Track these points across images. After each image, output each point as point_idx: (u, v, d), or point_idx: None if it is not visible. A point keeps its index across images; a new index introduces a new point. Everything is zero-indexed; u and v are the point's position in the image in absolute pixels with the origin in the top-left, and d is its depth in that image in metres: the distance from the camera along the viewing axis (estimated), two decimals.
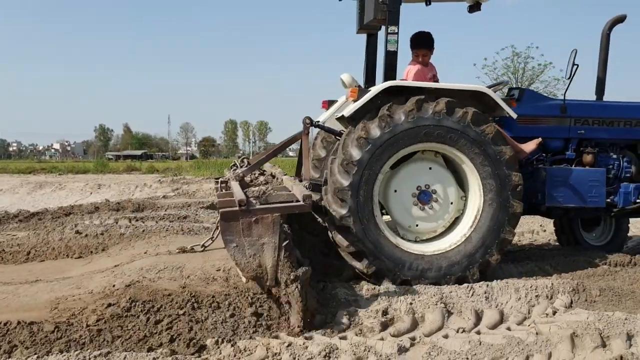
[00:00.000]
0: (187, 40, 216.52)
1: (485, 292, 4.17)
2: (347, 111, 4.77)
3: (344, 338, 3.58)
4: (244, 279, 3.96)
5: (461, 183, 4.93)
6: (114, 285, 4.23)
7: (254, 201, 3.91)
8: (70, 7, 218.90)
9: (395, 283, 4.54)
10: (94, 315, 3.63)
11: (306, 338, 3.57)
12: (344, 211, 4.55)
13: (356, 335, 3.67)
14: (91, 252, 6.10)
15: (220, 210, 3.80)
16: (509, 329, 3.83)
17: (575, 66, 5.43)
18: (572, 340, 3.44)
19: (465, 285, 4.30)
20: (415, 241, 4.91)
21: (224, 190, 4.80)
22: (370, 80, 5.86)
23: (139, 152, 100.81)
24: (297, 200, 3.96)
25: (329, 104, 5.89)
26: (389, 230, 4.77)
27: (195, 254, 5.16)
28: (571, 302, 4.14)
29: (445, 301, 4.08)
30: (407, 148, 4.70)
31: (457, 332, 3.78)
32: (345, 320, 3.83)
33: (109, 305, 3.74)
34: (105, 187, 18.32)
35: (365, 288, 4.29)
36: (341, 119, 5.35)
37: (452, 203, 4.88)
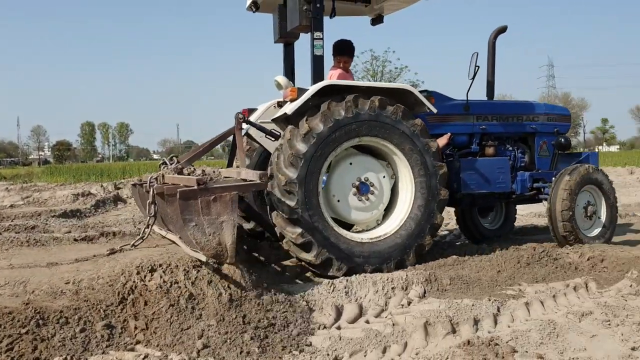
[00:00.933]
0: (37, 34, 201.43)
1: (345, 287, 4.26)
2: (290, 109, 5.03)
3: (207, 345, 3.48)
4: (203, 258, 3.94)
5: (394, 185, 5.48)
6: None
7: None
8: None
9: (341, 272, 4.88)
10: None
11: (164, 347, 3.43)
12: (292, 203, 4.83)
13: None
14: None
15: (178, 190, 3.88)
16: (367, 322, 3.94)
17: (477, 67, 6.03)
18: (426, 328, 3.61)
19: (327, 281, 4.37)
20: (358, 231, 5.41)
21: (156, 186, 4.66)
22: None
23: None
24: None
25: (249, 112, 6.08)
26: (334, 222, 5.13)
27: (42, 268, 4.76)
28: (424, 292, 4.35)
29: (307, 299, 4.11)
30: (347, 142, 5.12)
31: (319, 328, 3.82)
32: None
33: None
34: None
35: None
36: (277, 120, 5.60)
37: (384, 200, 5.39)
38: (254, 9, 6.23)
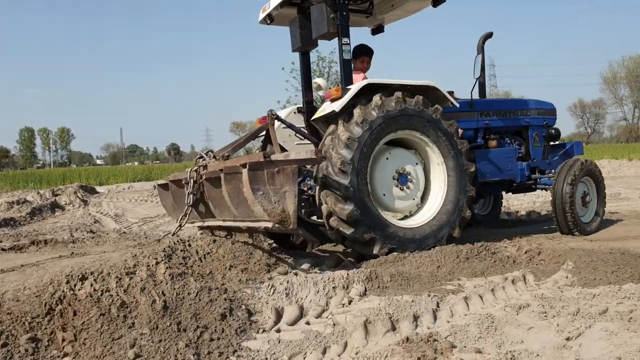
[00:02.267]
0: None
1: (285, 289, 4.17)
2: (337, 106, 5.38)
3: (139, 355, 3.33)
4: (269, 225, 4.36)
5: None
6: None
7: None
8: None
9: (383, 251, 5.35)
10: None
11: (94, 359, 3.26)
12: (346, 182, 5.22)
13: None
14: None
15: (248, 161, 4.30)
16: (308, 323, 3.86)
17: (482, 68, 6.79)
18: (366, 327, 3.56)
19: (267, 283, 4.27)
20: (399, 218, 5.82)
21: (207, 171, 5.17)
22: (308, 91, 6.70)
23: None
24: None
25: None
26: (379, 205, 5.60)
27: None
28: (365, 290, 4.30)
29: (246, 302, 4.00)
30: (393, 133, 5.61)
31: (258, 332, 3.72)
32: None
33: None
34: None
35: None
36: (318, 120, 5.87)
37: (419, 192, 5.91)
38: (268, 21, 6.58)
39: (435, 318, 3.77)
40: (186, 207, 5.26)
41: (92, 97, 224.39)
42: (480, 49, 6.99)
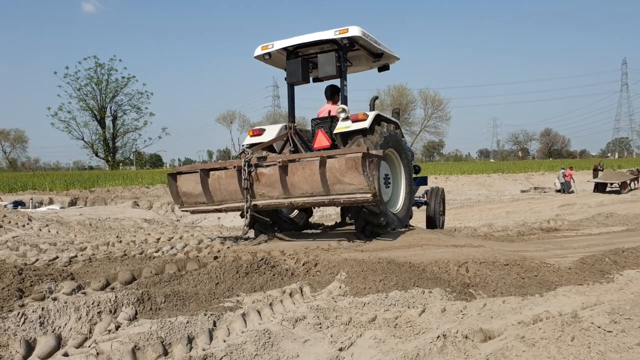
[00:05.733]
0: None
1: (40, 317, 3.62)
2: (367, 124, 7.26)
3: None
4: (368, 196, 6.33)
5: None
6: None
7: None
8: None
9: (390, 229, 7.57)
10: None
11: None
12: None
13: None
14: None
15: (362, 152, 6.25)
16: (66, 354, 3.37)
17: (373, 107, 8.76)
18: (134, 354, 3.23)
19: (16, 312, 3.65)
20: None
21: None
22: (292, 116, 8.35)
23: None
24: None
25: (260, 130, 8.09)
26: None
27: None
28: (136, 314, 3.92)
29: None
30: (389, 148, 7.81)
31: None
32: None
33: None
34: None
35: None
36: (338, 134, 7.49)
37: (391, 192, 8.23)
38: (266, 57, 8.25)
39: (211, 338, 3.57)
40: (244, 191, 6.89)
41: None
42: (372, 107, 8.61)
